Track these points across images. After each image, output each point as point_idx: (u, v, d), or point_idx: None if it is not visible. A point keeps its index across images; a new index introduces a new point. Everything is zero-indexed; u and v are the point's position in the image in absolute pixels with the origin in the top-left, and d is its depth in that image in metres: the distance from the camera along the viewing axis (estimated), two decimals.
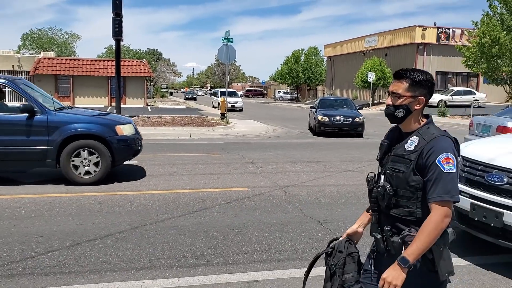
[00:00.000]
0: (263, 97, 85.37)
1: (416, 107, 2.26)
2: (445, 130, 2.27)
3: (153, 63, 72.67)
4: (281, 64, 62.17)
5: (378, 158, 2.45)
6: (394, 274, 2.15)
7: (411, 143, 2.22)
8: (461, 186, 4.98)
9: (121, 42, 20.72)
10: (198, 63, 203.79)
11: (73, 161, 7.87)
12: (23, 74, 35.45)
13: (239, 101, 36.59)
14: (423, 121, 2.31)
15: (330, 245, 2.60)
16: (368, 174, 2.40)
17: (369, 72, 38.05)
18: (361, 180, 8.87)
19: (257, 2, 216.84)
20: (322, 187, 8.14)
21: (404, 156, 2.22)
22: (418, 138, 2.22)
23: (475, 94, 36.26)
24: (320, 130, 17.88)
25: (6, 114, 7.97)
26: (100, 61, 38.30)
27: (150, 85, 55.25)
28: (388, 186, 2.25)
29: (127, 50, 63.35)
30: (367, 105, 38.80)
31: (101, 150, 7.96)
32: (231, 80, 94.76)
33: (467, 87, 40.57)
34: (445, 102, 34.10)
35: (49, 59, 36.10)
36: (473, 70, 28.63)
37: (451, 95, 35.47)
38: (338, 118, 17.84)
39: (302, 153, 12.57)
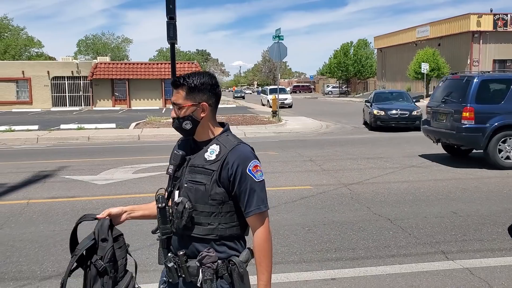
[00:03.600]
0: (311, 92, 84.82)
1: (202, 115, 2.02)
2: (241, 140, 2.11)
3: (203, 63, 73.94)
4: (329, 57, 61.62)
5: (170, 171, 2.10)
6: None
7: (212, 152, 2.01)
8: None
9: (175, 45, 21.22)
10: (244, 62, 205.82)
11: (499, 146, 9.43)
12: (81, 79, 37.06)
13: (288, 98, 36.61)
14: (219, 128, 2.10)
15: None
16: (158, 191, 2.10)
17: (423, 63, 37.02)
18: (426, 176, 8.74)
19: None
20: (387, 184, 8.08)
21: (204, 167, 1.99)
22: (219, 146, 2.02)
23: None
24: (376, 124, 17.62)
25: None
26: (154, 64, 39.40)
27: None
28: (187, 202, 1.97)
29: (177, 52, 64.73)
30: (421, 97, 37.71)
31: None
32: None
33: None
34: None
35: (105, 63, 37.50)
36: None
37: None
38: (394, 111, 17.53)
39: (361, 149, 12.48)
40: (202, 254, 1.98)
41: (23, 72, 36.16)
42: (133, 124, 20.35)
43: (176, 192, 2.05)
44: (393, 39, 53.12)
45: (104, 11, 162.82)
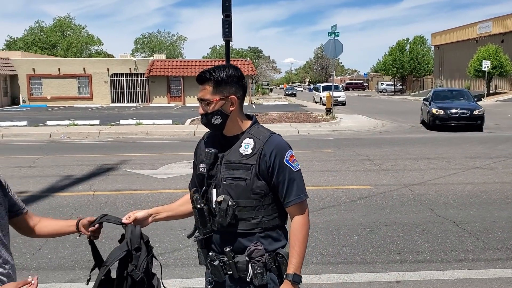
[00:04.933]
0: (364, 90, 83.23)
1: (231, 109, 1.99)
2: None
3: (255, 61, 74.32)
4: (384, 54, 60.26)
5: (203, 170, 2.06)
6: None
7: (247, 146, 1.98)
8: None
9: (230, 42, 21.45)
10: (296, 59, 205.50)
11: None
12: (138, 76, 38.19)
13: (342, 95, 36.06)
14: (247, 121, 2.07)
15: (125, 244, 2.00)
16: (193, 192, 2.05)
17: (484, 61, 35.44)
18: (492, 178, 8.37)
19: None
20: (450, 186, 7.80)
21: (241, 162, 1.96)
22: (252, 139, 1.99)
23: None
24: (434, 124, 17.05)
25: None
26: (208, 61, 40.03)
27: (252, 83, 56.58)
28: (230, 199, 1.95)
29: (230, 50, 65.41)
30: (482, 96, 36.16)
31: None
32: (330, 74, 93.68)
33: None
34: None
35: (161, 61, 38.46)
36: None
37: None
38: (454, 110, 16.88)
39: (421, 149, 12.12)
40: (250, 248, 1.97)
41: (84, 69, 37.72)
42: (189, 121, 20.76)
43: (214, 191, 2.02)
44: (451, 35, 51.25)
45: (160, 9, 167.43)
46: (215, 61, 39.92)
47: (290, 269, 1.97)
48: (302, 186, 2.03)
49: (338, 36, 20.73)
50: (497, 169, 9.12)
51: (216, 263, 2.01)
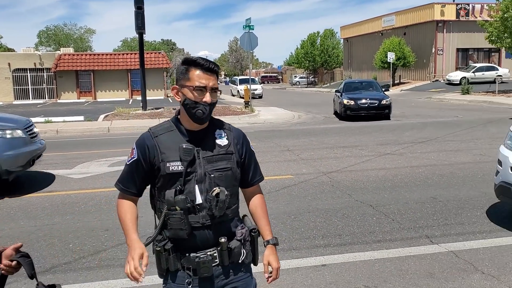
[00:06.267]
0: (278, 82, 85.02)
1: None
2: None
3: (168, 53, 72.97)
4: (296, 47, 61.85)
5: (177, 168, 1.98)
6: (275, 257, 2.19)
7: (221, 137, 2.08)
8: None
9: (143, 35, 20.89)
10: (210, 52, 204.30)
11: None
12: (44, 71, 35.93)
13: (258, 88, 36.60)
14: None
15: None
16: (172, 193, 1.97)
17: (389, 52, 37.68)
18: (402, 163, 8.96)
19: None
20: (365, 172, 8.23)
21: (221, 152, 2.04)
22: (222, 130, 2.10)
23: (498, 69, 35.68)
24: (346, 114, 17.85)
25: None
26: (119, 54, 38.53)
27: (167, 76, 55.53)
28: (225, 189, 1.99)
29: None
30: (388, 86, 38.41)
31: None
32: (246, 67, 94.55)
33: (489, 63, 39.90)
34: (467, 79, 33.68)
35: (69, 55, 36.45)
36: (497, 45, 28.24)
37: (473, 72, 34.97)
38: (364, 101, 17.78)
39: (336, 138, 12.66)
40: (241, 232, 2.10)
41: None
42: (102, 116, 19.92)
43: (196, 186, 1.99)
44: (359, 28, 53.78)
45: (64, 1, 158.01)
46: (127, 53, 38.54)
47: (269, 235, 2.21)
48: None
49: (253, 29, 20.97)
50: (406, 154, 9.78)
51: (209, 258, 2.00)
